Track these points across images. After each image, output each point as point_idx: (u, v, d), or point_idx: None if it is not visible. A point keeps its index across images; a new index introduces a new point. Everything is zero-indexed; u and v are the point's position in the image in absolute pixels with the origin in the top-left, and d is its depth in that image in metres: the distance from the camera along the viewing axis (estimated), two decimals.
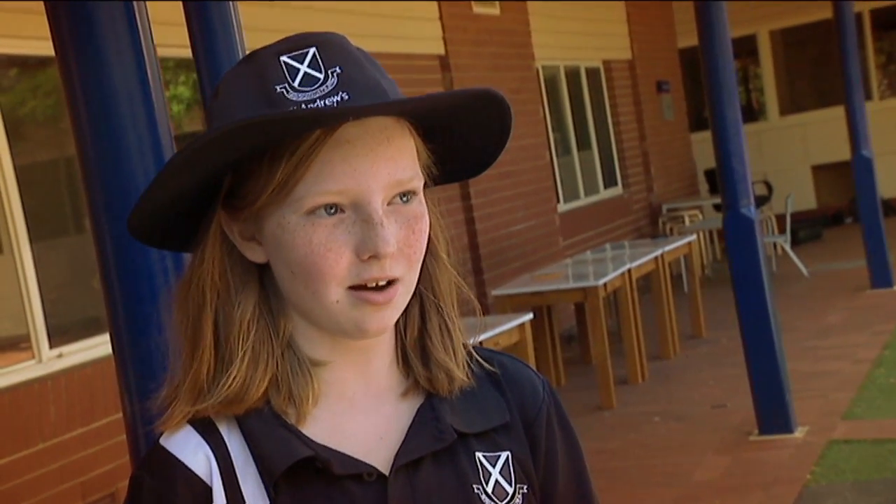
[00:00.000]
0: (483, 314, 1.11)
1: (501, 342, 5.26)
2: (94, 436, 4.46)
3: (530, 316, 5.64)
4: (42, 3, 1.65)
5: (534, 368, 1.14)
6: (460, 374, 1.05)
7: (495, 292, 6.52)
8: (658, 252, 7.41)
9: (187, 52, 2.16)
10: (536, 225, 8.45)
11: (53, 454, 4.33)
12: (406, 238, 0.98)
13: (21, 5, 4.35)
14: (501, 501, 1.03)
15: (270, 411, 1.00)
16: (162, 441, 1.01)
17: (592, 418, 6.01)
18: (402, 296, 1.00)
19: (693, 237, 8.40)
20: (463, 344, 1.07)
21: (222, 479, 0.99)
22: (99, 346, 4.57)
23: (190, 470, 0.99)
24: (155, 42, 1.72)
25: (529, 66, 8.75)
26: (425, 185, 1.02)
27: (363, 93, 0.96)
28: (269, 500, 0.98)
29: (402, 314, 1.03)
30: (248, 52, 1.01)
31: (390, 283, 0.98)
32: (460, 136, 1.03)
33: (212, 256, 1.01)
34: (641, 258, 7.14)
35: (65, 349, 4.60)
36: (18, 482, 4.18)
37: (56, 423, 4.37)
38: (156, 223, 1.02)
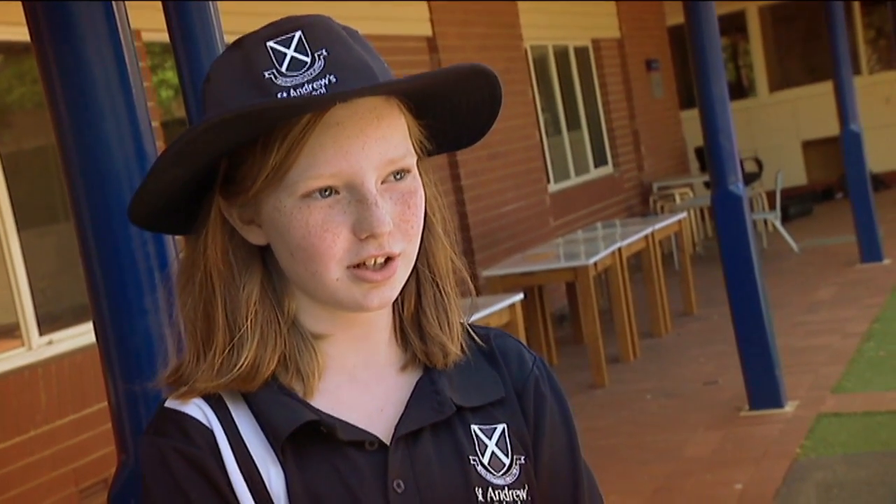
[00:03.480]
0: (468, 294, 1.12)
1: (492, 323, 5.27)
2: (86, 422, 4.47)
3: (521, 296, 5.65)
4: None
5: (524, 344, 1.16)
6: (454, 349, 1.07)
7: (486, 273, 6.53)
8: (649, 230, 7.42)
9: None
10: (527, 205, 8.46)
11: (45, 441, 4.34)
12: (402, 213, 0.99)
13: None
14: (498, 472, 1.05)
15: (277, 385, 1.02)
16: (167, 405, 1.03)
17: (585, 397, 6.04)
18: (401, 270, 1.01)
19: (684, 215, 8.41)
20: (459, 320, 1.09)
21: (227, 437, 1.00)
22: (89, 333, 4.57)
23: (199, 421, 1.01)
24: (141, 27, 1.73)
25: (518, 47, 8.73)
26: (420, 158, 1.04)
27: (351, 74, 0.96)
28: (280, 462, 1.00)
29: None
30: (235, 39, 1.02)
31: (389, 259, 0.99)
32: (452, 111, 1.04)
33: (214, 241, 1.02)
34: (632, 237, 7.15)
35: (55, 336, 4.60)
36: (10, 469, 4.19)
37: (47, 410, 4.38)
38: (156, 211, 1.03)
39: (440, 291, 1.08)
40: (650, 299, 7.30)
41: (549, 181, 9.12)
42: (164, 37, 2.17)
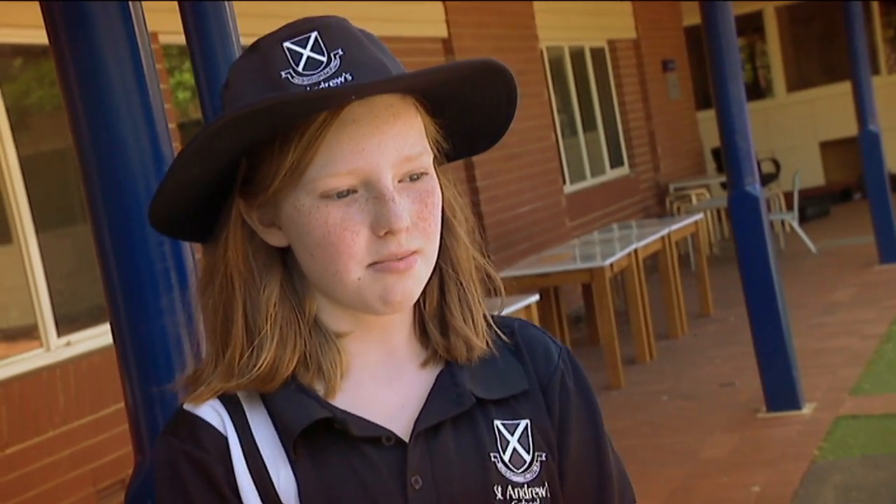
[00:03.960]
0: (495, 294, 1.12)
1: None
2: (104, 423, 4.49)
3: (537, 297, 5.65)
4: None
5: (550, 334, 1.15)
6: (479, 344, 1.07)
7: (501, 274, 6.41)
8: (665, 231, 7.40)
9: None
10: (542, 206, 8.45)
11: (63, 442, 4.36)
12: (419, 212, 1.00)
13: None
14: (518, 469, 1.04)
15: (295, 385, 1.02)
16: (184, 406, 1.04)
17: (601, 398, 5.90)
18: (422, 266, 1.01)
19: (700, 216, 8.38)
20: (483, 316, 1.09)
21: (240, 441, 1.01)
22: (106, 334, 4.58)
23: (211, 424, 1.02)
24: (158, 30, 1.74)
25: (533, 48, 8.72)
26: (439, 162, 1.04)
27: (366, 72, 0.97)
28: (290, 462, 1.00)
29: None
30: (253, 42, 1.03)
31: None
32: (467, 109, 1.04)
33: (234, 244, 1.02)
34: (648, 238, 7.14)
35: (73, 337, 4.63)
36: (30, 469, 4.21)
37: (65, 410, 4.40)
38: (177, 215, 1.04)
39: (464, 289, 1.08)
40: (666, 300, 7.28)
41: (564, 182, 9.11)
42: (181, 39, 2.18)
